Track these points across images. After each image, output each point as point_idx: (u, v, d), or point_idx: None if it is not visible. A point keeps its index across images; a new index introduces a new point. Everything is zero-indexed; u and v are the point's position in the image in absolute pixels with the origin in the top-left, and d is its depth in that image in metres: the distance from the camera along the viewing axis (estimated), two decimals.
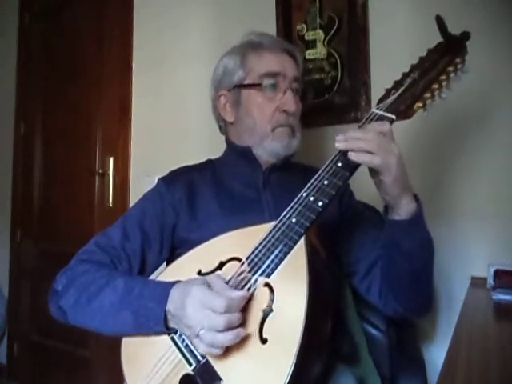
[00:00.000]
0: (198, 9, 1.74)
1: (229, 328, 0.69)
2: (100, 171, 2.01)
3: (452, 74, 0.82)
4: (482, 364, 0.63)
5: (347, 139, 0.75)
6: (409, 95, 0.81)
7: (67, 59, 2.20)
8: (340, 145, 0.75)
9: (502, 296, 0.95)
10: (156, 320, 0.77)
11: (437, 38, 0.84)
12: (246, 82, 1.00)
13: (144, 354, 0.81)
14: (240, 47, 1.03)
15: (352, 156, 0.74)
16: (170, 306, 0.75)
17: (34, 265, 2.27)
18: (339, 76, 1.41)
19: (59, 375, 2.12)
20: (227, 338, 0.69)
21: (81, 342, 1.98)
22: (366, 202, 1.08)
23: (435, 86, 0.81)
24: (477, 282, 1.09)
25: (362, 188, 1.06)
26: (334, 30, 1.42)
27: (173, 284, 0.78)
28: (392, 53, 1.31)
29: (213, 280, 0.75)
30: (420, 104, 0.81)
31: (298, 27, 1.48)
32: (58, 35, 2.27)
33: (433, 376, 1.04)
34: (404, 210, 0.80)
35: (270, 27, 1.50)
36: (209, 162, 1.10)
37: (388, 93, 0.84)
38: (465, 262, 1.19)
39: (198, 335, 0.71)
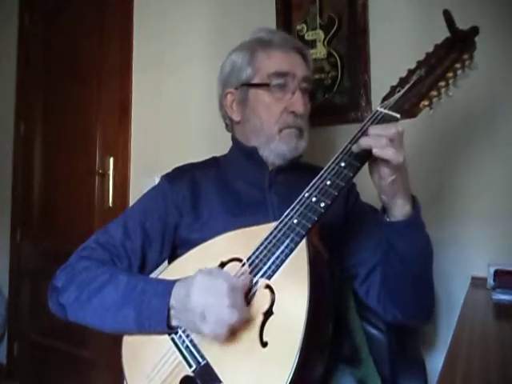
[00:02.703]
0: (198, 9, 1.74)
1: (233, 307, 0.69)
2: (100, 171, 2.01)
3: (459, 71, 0.79)
4: (482, 364, 0.63)
5: (371, 136, 0.75)
6: (414, 93, 0.79)
7: (67, 59, 2.20)
8: (364, 142, 0.75)
9: (501, 296, 0.95)
10: (158, 317, 0.77)
11: (438, 38, 0.83)
12: (254, 81, 0.97)
13: (145, 355, 0.81)
14: (249, 44, 1.01)
15: (377, 152, 0.73)
16: (173, 301, 0.76)
17: (34, 265, 2.27)
18: (339, 76, 1.41)
19: (59, 375, 2.12)
20: (232, 315, 0.69)
21: (81, 342, 1.98)
22: (369, 202, 1.08)
23: (442, 83, 0.78)
24: (477, 282, 1.09)
25: (366, 189, 1.06)
26: (334, 30, 1.42)
27: (175, 281, 0.78)
28: (392, 53, 1.31)
29: (214, 269, 0.76)
30: (426, 102, 0.79)
31: (298, 27, 1.48)
32: (57, 35, 2.26)
33: (433, 376, 1.04)
34: (399, 211, 0.80)
35: (270, 27, 1.49)
36: (213, 159, 1.08)
37: (393, 90, 0.82)
38: (465, 262, 1.19)
39: (202, 316, 0.70)
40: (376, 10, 1.35)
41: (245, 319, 0.71)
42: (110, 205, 1.96)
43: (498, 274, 1.02)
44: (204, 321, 0.71)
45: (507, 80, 1.17)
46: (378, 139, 0.74)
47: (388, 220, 0.82)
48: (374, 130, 0.76)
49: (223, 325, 0.70)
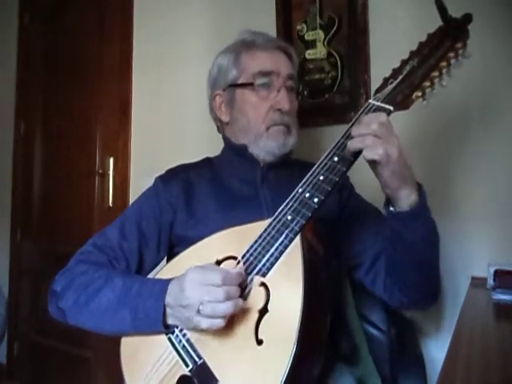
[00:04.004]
0: (197, 9, 1.74)
1: (228, 299, 0.70)
2: (100, 171, 2.01)
3: (453, 60, 0.78)
4: (482, 364, 0.63)
5: (356, 138, 0.75)
6: (407, 84, 0.78)
7: (67, 59, 2.20)
8: (352, 145, 0.75)
9: (502, 296, 0.95)
10: (154, 317, 0.77)
11: None
12: (240, 82, 0.99)
13: (143, 355, 0.81)
14: (233, 46, 1.03)
15: (368, 155, 0.73)
16: (169, 298, 0.76)
17: (34, 265, 2.27)
18: (339, 76, 1.41)
19: (59, 375, 2.12)
20: (227, 306, 0.70)
21: (81, 342, 1.98)
22: (366, 197, 1.08)
23: (435, 73, 0.78)
24: (477, 282, 1.09)
25: (363, 184, 1.06)
26: (334, 29, 1.42)
27: (170, 280, 0.78)
28: (392, 53, 1.29)
29: (207, 264, 0.77)
30: (419, 93, 0.78)
31: (298, 27, 1.48)
32: (57, 35, 2.27)
33: (433, 376, 1.04)
34: (404, 202, 0.79)
35: (270, 27, 1.49)
36: (206, 160, 1.10)
37: (386, 82, 0.82)
38: (465, 262, 1.19)
39: (198, 311, 0.71)
40: (376, 10, 1.35)
41: (240, 309, 0.71)
42: (110, 205, 1.96)
43: (498, 274, 1.02)
44: (200, 314, 0.71)
45: (503, 74, 1.16)
46: (363, 140, 0.74)
47: (393, 210, 0.82)
48: (355, 131, 0.75)
49: (219, 316, 0.70)
